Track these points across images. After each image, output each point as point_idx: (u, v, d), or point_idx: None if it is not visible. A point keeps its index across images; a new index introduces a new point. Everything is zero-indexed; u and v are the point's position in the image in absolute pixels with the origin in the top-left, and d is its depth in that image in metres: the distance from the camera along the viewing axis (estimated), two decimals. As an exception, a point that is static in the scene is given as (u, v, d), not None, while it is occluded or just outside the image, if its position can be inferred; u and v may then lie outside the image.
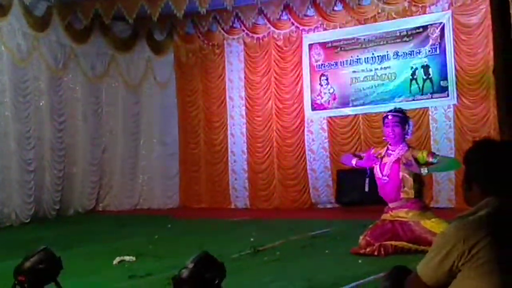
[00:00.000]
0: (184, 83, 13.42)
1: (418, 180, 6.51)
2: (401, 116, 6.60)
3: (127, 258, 6.65)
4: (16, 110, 10.99)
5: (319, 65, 12.06)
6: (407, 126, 6.59)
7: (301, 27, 12.12)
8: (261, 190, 12.54)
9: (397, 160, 6.51)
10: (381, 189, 6.72)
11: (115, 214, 12.44)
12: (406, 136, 6.61)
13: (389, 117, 6.62)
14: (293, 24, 12.15)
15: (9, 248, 7.68)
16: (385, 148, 6.70)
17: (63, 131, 12.11)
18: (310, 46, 12.14)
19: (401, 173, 6.46)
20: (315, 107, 12.12)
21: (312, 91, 12.14)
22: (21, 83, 11.20)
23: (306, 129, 12.15)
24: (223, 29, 12.71)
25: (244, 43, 12.72)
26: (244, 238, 7.54)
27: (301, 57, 12.20)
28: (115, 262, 6.52)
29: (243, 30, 12.59)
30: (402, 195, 6.50)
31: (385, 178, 6.57)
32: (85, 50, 12.56)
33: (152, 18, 11.56)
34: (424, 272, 2.19)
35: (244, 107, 12.79)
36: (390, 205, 6.59)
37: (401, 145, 6.57)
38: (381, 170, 6.60)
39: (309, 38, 12.14)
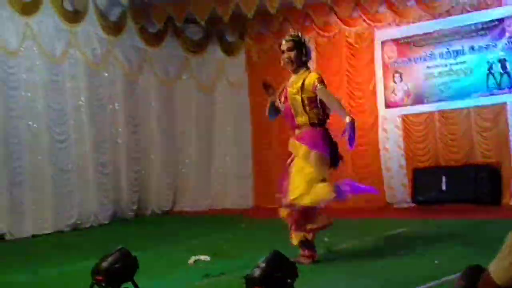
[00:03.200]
0: (256, 83, 13.42)
1: (318, 105, 6.07)
2: (295, 40, 6.17)
3: (202, 257, 6.71)
4: (92, 114, 11.26)
5: (392, 62, 11.89)
6: (304, 49, 6.17)
7: (373, 24, 11.96)
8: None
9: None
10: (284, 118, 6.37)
11: (191, 215, 12.61)
12: (304, 59, 6.19)
13: (282, 42, 6.26)
14: (364, 21, 12.00)
15: (88, 248, 7.90)
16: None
17: (137, 133, 12.37)
18: (383, 42, 11.98)
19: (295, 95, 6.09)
20: (389, 104, 11.94)
21: (385, 88, 11.97)
22: (96, 87, 11.48)
23: (380, 127, 11.98)
24: (293, 28, 12.67)
25: (316, 41, 12.64)
26: (317, 238, 7.48)
27: (373, 54, 12.04)
28: (190, 261, 6.59)
29: (314, 29, 12.53)
30: (297, 121, 6.14)
31: (282, 104, 6.24)
32: (158, 53, 12.79)
33: (223, 19, 11.68)
34: (496, 272, 2.13)
35: (316, 106, 12.70)
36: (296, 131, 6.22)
37: (301, 70, 6.16)
38: (280, 98, 6.28)
39: (381, 34, 11.98)
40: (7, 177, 9.74)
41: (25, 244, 9.24)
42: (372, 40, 12.05)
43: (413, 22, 11.62)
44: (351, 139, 5.74)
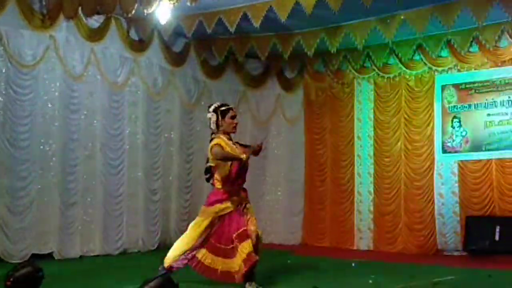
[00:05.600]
0: (312, 120, 13.46)
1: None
2: None
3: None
4: (147, 141, 11.39)
5: (451, 106, 11.73)
6: None
7: (434, 68, 11.86)
8: (386, 233, 12.24)
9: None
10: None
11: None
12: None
13: (234, 109, 7.03)
14: (425, 64, 11.90)
15: (133, 273, 7.95)
16: (227, 137, 6.86)
17: (190, 162, 12.36)
18: (443, 87, 11.85)
19: None
20: (446, 150, 11.76)
21: (443, 133, 11.80)
22: (153, 116, 11.62)
23: (435, 172, 11.78)
24: (353, 68, 12.68)
25: (375, 82, 12.61)
26: (362, 280, 7.38)
27: (433, 98, 11.91)
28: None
29: (374, 70, 12.49)
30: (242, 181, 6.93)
31: (245, 156, 6.72)
32: (217, 86, 12.93)
33: (283, 56, 11.76)
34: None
35: (372, 147, 12.61)
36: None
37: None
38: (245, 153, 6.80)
39: (442, 79, 11.85)
40: (60, 197, 9.91)
41: (73, 265, 9.37)
42: (433, 84, 11.93)
43: (475, 69, 11.49)
44: None
